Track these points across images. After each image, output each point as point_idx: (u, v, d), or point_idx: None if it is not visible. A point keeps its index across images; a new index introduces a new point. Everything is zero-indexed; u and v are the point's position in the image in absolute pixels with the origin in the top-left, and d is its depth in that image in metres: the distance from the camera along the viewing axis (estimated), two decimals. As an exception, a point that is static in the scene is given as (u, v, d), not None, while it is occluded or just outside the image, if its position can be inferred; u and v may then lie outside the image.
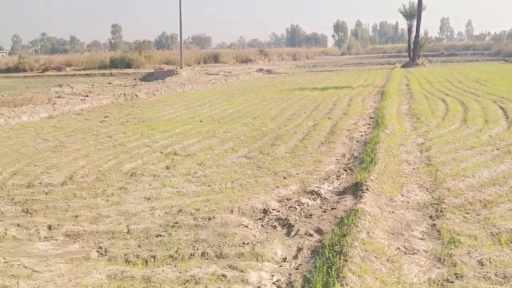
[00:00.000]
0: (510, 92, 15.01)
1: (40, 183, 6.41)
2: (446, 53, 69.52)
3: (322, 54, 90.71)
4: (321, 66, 47.42)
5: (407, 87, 18.95)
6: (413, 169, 6.60)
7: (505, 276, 3.47)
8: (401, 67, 37.07)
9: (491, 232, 4.26)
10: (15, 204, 5.61)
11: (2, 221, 5.05)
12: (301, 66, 47.37)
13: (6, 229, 4.72)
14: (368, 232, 4.16)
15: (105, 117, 12.92)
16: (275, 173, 6.61)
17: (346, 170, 6.78)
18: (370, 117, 11.63)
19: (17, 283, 3.43)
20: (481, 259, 3.75)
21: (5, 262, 3.88)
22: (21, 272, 3.71)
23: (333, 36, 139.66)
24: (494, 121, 9.98)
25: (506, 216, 4.64)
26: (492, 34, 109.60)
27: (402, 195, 5.46)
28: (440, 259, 3.81)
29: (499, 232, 4.26)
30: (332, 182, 6.20)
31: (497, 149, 7.45)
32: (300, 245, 4.23)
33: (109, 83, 26.58)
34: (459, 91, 16.33)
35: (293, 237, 4.45)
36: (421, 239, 4.23)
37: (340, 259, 3.57)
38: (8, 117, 12.59)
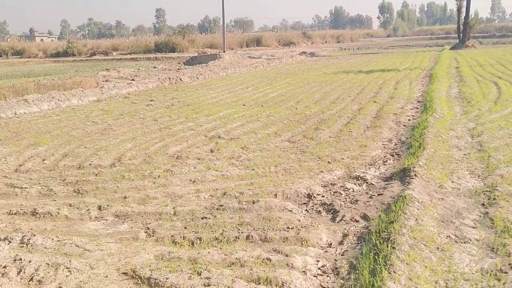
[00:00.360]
0: None
1: (90, 164, 6.61)
2: (497, 34, 66.36)
3: (367, 36, 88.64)
4: (366, 48, 46.40)
5: (456, 70, 18.27)
6: (464, 154, 6.37)
7: None
8: (450, 49, 35.79)
9: (548, 222, 4.06)
10: (67, 185, 5.81)
11: (55, 201, 5.25)
12: (345, 49, 46.53)
13: (58, 209, 4.89)
14: (416, 219, 4.05)
15: (150, 100, 13.15)
16: (319, 158, 6.54)
17: (393, 156, 6.63)
18: (418, 101, 11.30)
19: (69, 261, 3.54)
20: (538, 250, 3.58)
21: (58, 240, 4.01)
22: (73, 251, 3.84)
23: (378, 17, 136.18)
24: (551, 105, 9.49)
25: None
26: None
27: (452, 182, 5.28)
28: (493, 248, 3.67)
29: (558, 222, 4.05)
30: (379, 168, 6.08)
31: (555, 135, 7.08)
32: (345, 231, 4.18)
33: (154, 67, 26.99)
34: (513, 74, 15.60)
35: (338, 222, 4.40)
36: (473, 227, 4.08)
37: (387, 246, 3.50)
38: (59, 100, 13.02)
